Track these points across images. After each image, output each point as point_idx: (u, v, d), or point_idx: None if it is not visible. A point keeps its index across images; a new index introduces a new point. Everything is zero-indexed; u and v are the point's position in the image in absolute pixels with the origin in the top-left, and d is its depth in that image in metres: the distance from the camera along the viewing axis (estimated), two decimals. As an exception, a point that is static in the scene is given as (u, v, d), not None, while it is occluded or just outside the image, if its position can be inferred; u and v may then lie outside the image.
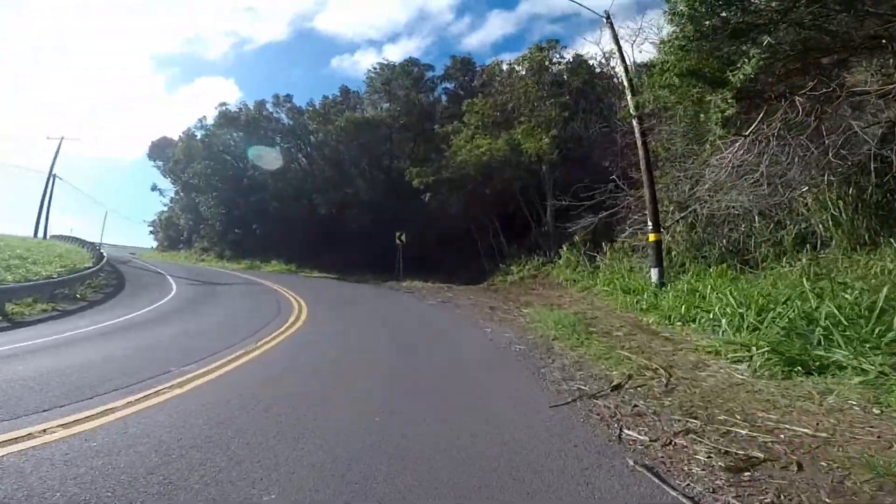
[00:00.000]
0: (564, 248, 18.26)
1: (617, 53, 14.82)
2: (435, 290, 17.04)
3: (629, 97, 13.70)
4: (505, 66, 25.12)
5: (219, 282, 19.43)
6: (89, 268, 17.59)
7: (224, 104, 33.11)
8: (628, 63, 14.76)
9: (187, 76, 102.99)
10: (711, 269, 10.39)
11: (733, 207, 11.66)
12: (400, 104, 30.11)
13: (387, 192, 28.25)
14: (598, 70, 23.14)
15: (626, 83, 14.06)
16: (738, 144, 10.80)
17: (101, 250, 24.47)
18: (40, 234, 29.99)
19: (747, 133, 10.64)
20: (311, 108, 31.07)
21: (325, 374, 5.14)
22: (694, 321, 7.76)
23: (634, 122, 13.26)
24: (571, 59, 22.87)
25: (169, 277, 20.59)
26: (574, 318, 8.19)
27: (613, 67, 21.89)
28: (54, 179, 30.96)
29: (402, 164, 29.99)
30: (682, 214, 13.31)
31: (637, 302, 10.44)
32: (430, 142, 28.14)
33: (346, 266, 26.42)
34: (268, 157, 30.65)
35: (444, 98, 32.07)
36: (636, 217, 14.72)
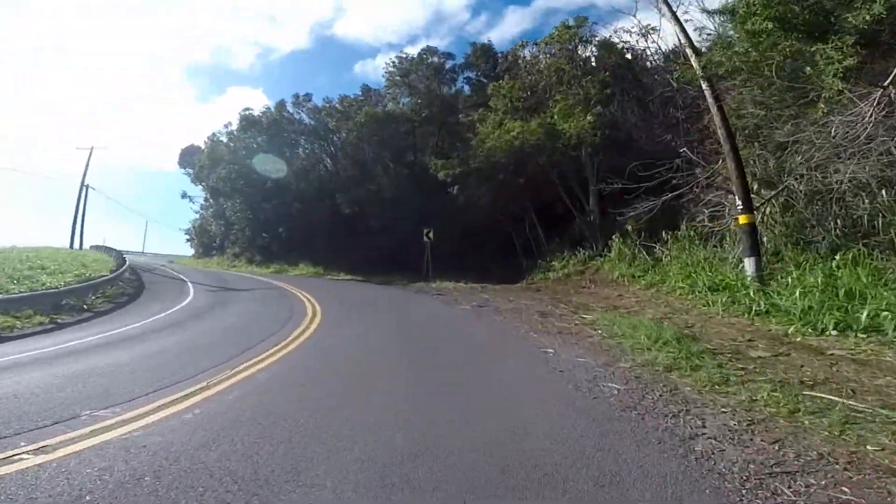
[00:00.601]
0: (615, 239, 15.51)
1: (666, 9, 12.08)
2: (468, 292, 14.64)
3: (692, 57, 10.98)
4: (528, 52, 22.45)
5: (239, 287, 17.65)
6: (104, 276, 16.13)
7: (248, 109, 31.77)
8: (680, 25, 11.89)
9: (218, 86, 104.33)
10: (837, 258, 7.55)
11: (850, 181, 8.72)
12: (420, 97, 27.88)
13: (412, 188, 26.02)
14: (635, 46, 20.23)
15: (683, 41, 11.29)
16: (872, 98, 7.92)
17: (125, 258, 23.30)
18: (76, 244, 29.37)
19: (886, 84, 7.81)
20: (328, 105, 29.19)
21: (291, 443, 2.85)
22: (858, 329, 5.10)
23: (704, 85, 10.52)
24: (602, 40, 19.84)
25: (189, 284, 19.01)
26: (672, 331, 5.62)
27: (652, 44, 18.94)
28: (87, 189, 30.37)
29: (427, 158, 27.75)
30: (774, 193, 10.40)
31: (736, 303, 7.74)
32: (454, 134, 25.77)
33: (372, 267, 24.35)
34: (272, 166, 28.94)
35: (466, 88, 29.59)
36: (711, 198, 11.87)
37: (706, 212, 11.50)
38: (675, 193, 12.82)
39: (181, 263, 43.92)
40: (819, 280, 6.49)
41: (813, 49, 8.30)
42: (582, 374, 4.33)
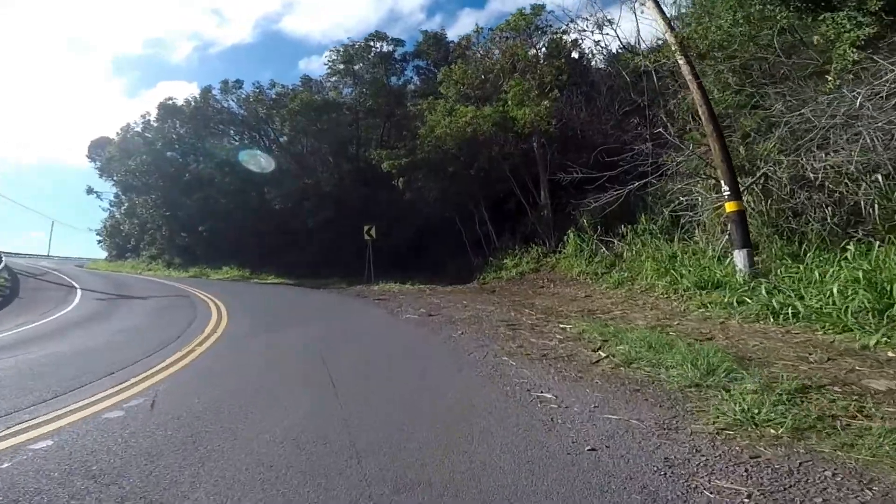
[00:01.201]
0: (570, 235, 13.96)
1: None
2: (415, 295, 12.39)
3: (668, 33, 9.58)
4: (481, 42, 20.62)
5: (138, 295, 14.09)
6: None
7: (170, 98, 27.35)
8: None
9: (148, 80, 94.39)
10: (852, 248, 6.18)
11: (858, 163, 7.49)
12: (366, 86, 25.26)
13: (354, 183, 23.32)
14: (583, 45, 19.25)
15: (658, 17, 9.84)
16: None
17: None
18: None
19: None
20: (257, 91, 25.72)
21: None
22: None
23: (681, 60, 9.07)
24: (553, 36, 18.37)
25: (79, 291, 15.20)
26: (715, 352, 3.75)
27: (607, 35, 17.81)
28: None
29: (371, 152, 25.18)
30: (752, 180, 9.12)
31: (740, 303, 6.15)
32: (401, 127, 23.43)
33: (309, 269, 21.37)
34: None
35: (415, 79, 27.41)
36: (681, 187, 10.49)
37: (682, 200, 10.04)
38: (640, 182, 11.39)
39: (91, 267, 37.91)
40: (860, 275, 4.93)
41: (820, 18, 7.06)
42: (666, 485, 2.03)
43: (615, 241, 12.63)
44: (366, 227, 17.22)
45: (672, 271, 8.72)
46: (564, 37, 18.25)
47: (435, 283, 15.80)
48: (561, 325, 6.33)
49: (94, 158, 36.06)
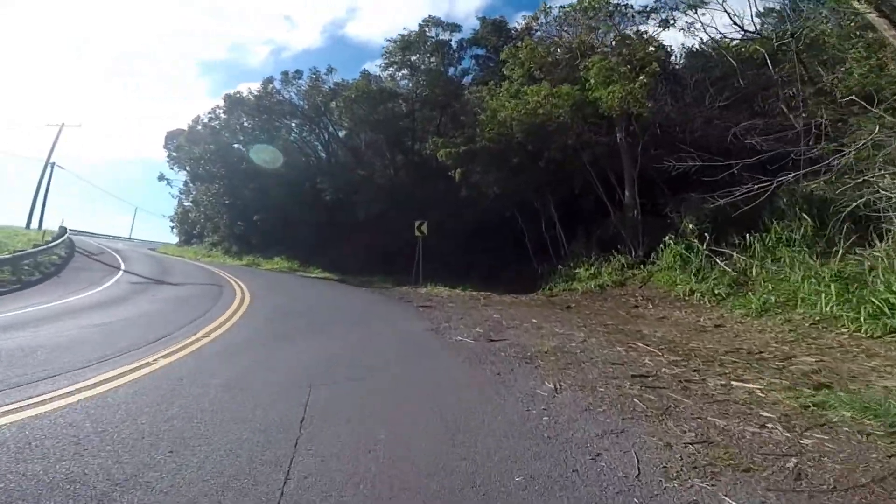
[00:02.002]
0: (668, 243, 10.79)
1: None
2: (467, 304, 9.82)
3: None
4: (547, 23, 17.64)
5: (174, 281, 12.68)
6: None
7: (238, 91, 27.07)
8: None
9: (230, 82, 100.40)
10: None
11: None
12: (422, 76, 23.19)
13: (408, 177, 21.28)
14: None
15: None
16: None
17: (68, 239, 18.41)
18: (35, 224, 24.39)
19: None
20: (314, 76, 24.37)
21: None
22: None
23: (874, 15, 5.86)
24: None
25: (119, 273, 14.25)
26: None
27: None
28: (52, 168, 25.48)
29: (427, 142, 23.05)
30: None
31: None
32: (458, 120, 21.11)
33: (356, 264, 19.50)
34: (267, 155, 24.18)
35: (473, 68, 24.93)
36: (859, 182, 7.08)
37: (866, 198, 6.68)
38: (790, 176, 8.05)
39: (160, 251, 38.75)
40: None
41: None
42: None
43: (734, 254, 9.36)
44: (416, 223, 14.92)
45: (871, 298, 5.47)
46: (650, 21, 14.81)
47: (490, 289, 13.14)
48: (734, 383, 3.46)
49: (167, 148, 36.86)
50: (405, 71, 24.51)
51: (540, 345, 5.21)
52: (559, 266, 13.98)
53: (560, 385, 3.59)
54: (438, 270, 15.58)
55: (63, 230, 20.64)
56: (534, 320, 7.33)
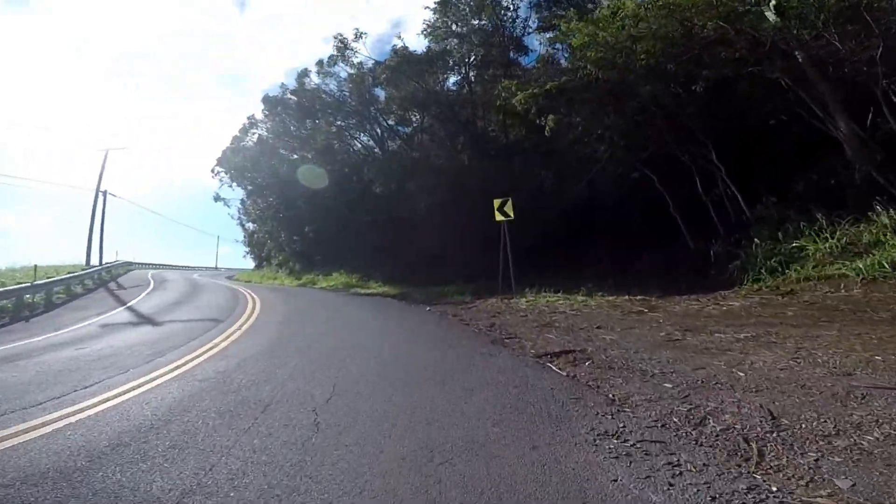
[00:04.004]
0: None
1: None
2: (633, 329, 4.54)
3: None
4: None
5: (163, 319, 8.92)
6: None
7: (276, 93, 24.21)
8: None
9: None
10: None
11: None
12: (473, 35, 18.12)
13: (473, 158, 16.36)
14: None
15: None
16: None
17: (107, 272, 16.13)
18: (94, 260, 23.30)
19: None
20: (340, 44, 20.07)
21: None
22: None
23: None
24: None
25: (118, 310, 10.92)
26: None
27: None
28: (105, 197, 24.39)
29: (488, 119, 17.91)
30: None
31: None
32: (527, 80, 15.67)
33: (423, 269, 15.00)
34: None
35: (532, 19, 19.18)
36: None
37: None
38: None
39: (238, 278, 37.37)
40: None
41: None
42: None
43: None
44: (496, 203, 9.79)
45: None
46: None
47: (624, 290, 7.70)
48: None
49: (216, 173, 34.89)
50: (453, 41, 19.47)
51: None
52: (742, 241, 8.02)
53: None
54: (527, 269, 10.37)
55: (104, 264, 18.81)
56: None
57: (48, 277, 13.49)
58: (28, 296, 11.03)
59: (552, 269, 11.36)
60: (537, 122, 10.83)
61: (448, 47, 19.41)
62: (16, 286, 10.86)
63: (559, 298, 7.88)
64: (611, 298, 7.41)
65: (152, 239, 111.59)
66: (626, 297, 7.30)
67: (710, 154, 9.15)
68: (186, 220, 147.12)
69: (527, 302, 7.99)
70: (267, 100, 23.73)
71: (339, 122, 23.38)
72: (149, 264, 37.69)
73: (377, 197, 15.44)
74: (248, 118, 25.71)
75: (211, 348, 5.16)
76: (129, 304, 11.27)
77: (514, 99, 11.47)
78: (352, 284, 17.43)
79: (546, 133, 10.69)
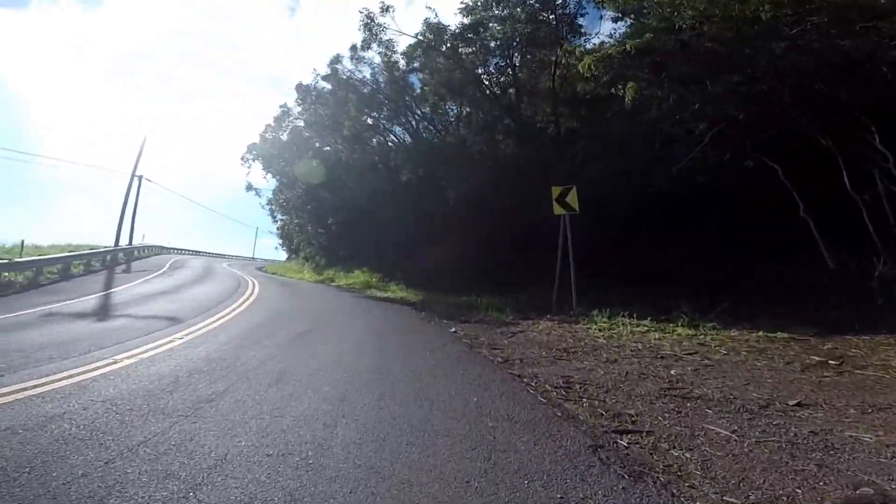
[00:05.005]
0: None
1: None
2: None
3: None
4: None
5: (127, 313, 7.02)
6: None
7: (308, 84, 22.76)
8: None
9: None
10: None
11: None
12: (515, 8, 15.56)
13: (518, 146, 13.84)
14: None
15: None
16: None
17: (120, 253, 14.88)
18: (124, 241, 22.53)
19: None
20: (367, 19, 17.98)
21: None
22: None
23: None
24: None
25: (99, 294, 9.27)
26: None
27: None
28: (140, 181, 23.66)
29: (535, 105, 15.36)
30: None
31: None
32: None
33: (451, 271, 12.65)
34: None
35: None
36: None
37: None
38: None
39: (269, 270, 36.38)
40: None
41: None
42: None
43: None
44: (555, 192, 7.31)
45: None
46: None
47: (744, 320, 5.02)
48: None
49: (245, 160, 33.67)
50: (494, 24, 16.95)
51: None
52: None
53: None
54: (592, 276, 7.78)
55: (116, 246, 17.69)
56: None
57: (44, 255, 12.16)
58: (6, 274, 9.58)
59: (613, 280, 8.70)
60: (612, 91, 8.26)
61: (485, 21, 16.94)
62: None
63: (649, 328, 5.32)
64: (735, 334, 4.78)
65: (198, 228, 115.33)
66: (760, 333, 4.65)
67: (871, 137, 6.28)
68: (232, 211, 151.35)
69: (599, 330, 5.46)
70: (300, 88, 22.16)
71: (373, 114, 21.48)
72: (183, 250, 37.43)
73: (403, 187, 13.25)
74: (281, 107, 24.38)
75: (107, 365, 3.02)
76: (109, 291, 9.51)
77: (579, 65, 8.94)
78: (371, 285, 15.33)
79: (627, 104, 8.09)
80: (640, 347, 4.53)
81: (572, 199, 7.23)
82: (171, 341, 4.39)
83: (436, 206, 12.64)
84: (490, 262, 12.17)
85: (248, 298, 8.75)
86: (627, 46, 8.06)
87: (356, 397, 2.83)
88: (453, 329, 5.85)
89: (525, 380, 3.32)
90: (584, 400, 2.88)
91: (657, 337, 4.92)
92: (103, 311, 6.43)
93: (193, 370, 3.33)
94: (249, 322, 5.90)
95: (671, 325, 5.51)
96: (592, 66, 8.50)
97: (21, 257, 11.03)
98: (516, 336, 5.25)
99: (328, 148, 22.11)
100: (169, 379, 3.11)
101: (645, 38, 7.99)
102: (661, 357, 3.98)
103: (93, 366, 3.36)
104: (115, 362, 3.56)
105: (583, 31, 16.66)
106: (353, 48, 20.40)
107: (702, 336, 4.82)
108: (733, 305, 6.06)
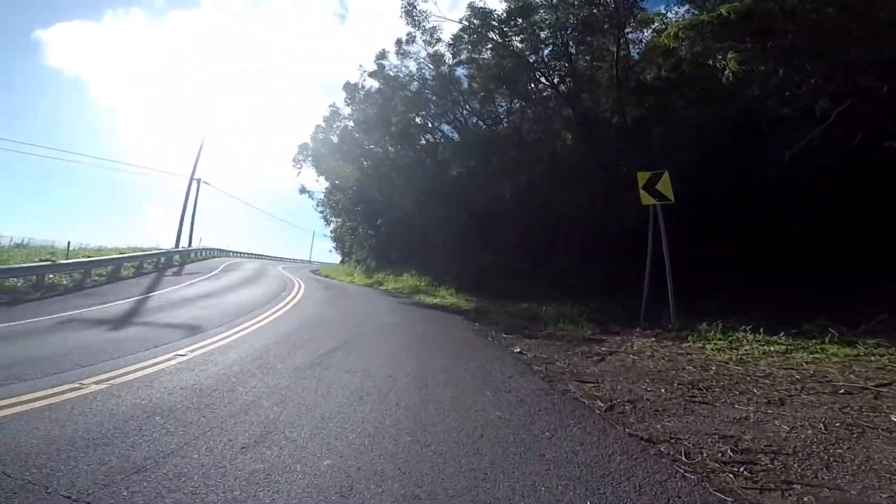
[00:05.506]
0: None
1: None
2: None
3: None
4: None
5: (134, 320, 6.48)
6: None
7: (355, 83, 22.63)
8: None
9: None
10: None
11: None
12: None
13: (580, 131, 12.22)
14: None
15: None
16: None
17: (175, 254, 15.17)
18: (184, 243, 23.50)
19: None
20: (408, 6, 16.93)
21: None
22: None
23: None
24: None
25: (134, 298, 9.01)
26: None
27: None
28: (199, 184, 24.60)
29: (596, 93, 13.57)
30: None
31: None
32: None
33: (505, 273, 11.36)
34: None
35: None
36: None
37: None
38: None
39: (320, 272, 36.98)
40: None
41: None
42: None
43: None
44: (641, 178, 5.83)
45: None
46: None
47: None
48: None
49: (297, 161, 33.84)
50: (543, 12, 15.31)
51: None
52: None
53: None
54: (658, 285, 6.10)
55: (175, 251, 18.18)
56: None
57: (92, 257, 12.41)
58: (51, 275, 9.58)
59: (710, 285, 6.91)
60: (710, 62, 6.62)
61: (533, 4, 15.34)
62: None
63: (787, 346, 3.74)
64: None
65: (258, 233, 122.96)
66: None
67: None
68: (291, 216, 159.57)
69: (718, 350, 3.95)
70: (347, 87, 22.05)
71: (421, 112, 20.72)
72: (242, 253, 39.01)
73: (453, 182, 12.19)
74: (331, 106, 24.35)
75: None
76: (149, 294, 9.20)
77: (662, 35, 7.36)
78: (419, 289, 14.36)
79: (726, 80, 6.42)
80: (796, 376, 3.02)
81: (664, 185, 5.72)
82: (169, 359, 3.59)
83: (487, 205, 11.41)
84: (550, 264, 10.71)
85: (286, 304, 8.06)
86: (724, 10, 6.38)
87: (366, 494, 1.64)
88: (518, 349, 4.59)
89: (662, 448, 2.00)
90: (794, 491, 1.51)
91: (807, 359, 3.42)
92: (124, 318, 5.90)
93: (159, 409, 2.41)
94: (273, 334, 5.05)
95: (813, 341, 3.91)
96: (679, 35, 6.89)
97: (67, 259, 11.18)
98: (607, 360, 3.89)
99: (377, 148, 21.72)
100: (115, 422, 2.18)
101: (744, 1, 6.27)
102: (846, 392, 2.49)
103: (42, 393, 2.53)
104: (80, 387, 2.72)
105: (644, 13, 14.75)
106: (398, 42, 19.76)
107: (872, 357, 3.19)
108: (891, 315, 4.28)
